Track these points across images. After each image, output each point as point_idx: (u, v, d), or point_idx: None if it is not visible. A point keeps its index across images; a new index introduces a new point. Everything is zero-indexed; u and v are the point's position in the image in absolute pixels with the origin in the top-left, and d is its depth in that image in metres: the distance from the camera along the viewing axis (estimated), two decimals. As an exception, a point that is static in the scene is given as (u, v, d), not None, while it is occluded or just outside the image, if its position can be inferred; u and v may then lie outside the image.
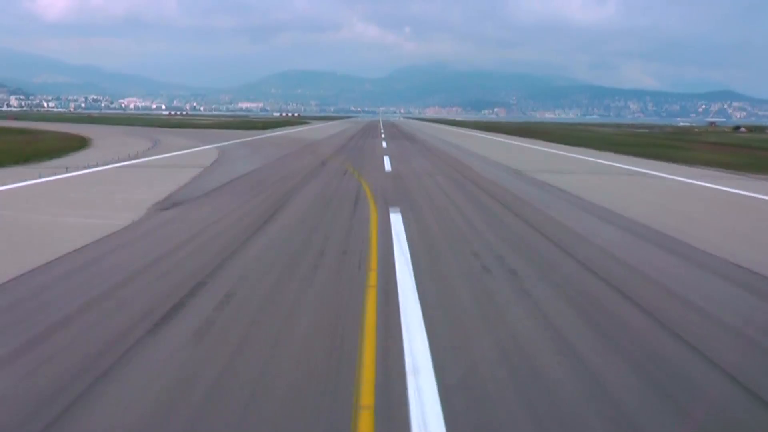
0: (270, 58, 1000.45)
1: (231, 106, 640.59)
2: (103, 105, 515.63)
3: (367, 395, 2.72)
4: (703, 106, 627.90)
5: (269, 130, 39.49)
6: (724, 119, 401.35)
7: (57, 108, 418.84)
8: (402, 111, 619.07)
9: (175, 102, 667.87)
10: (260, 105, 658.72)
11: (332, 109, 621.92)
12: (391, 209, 7.91)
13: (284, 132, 37.95)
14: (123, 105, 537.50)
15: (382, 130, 48.96)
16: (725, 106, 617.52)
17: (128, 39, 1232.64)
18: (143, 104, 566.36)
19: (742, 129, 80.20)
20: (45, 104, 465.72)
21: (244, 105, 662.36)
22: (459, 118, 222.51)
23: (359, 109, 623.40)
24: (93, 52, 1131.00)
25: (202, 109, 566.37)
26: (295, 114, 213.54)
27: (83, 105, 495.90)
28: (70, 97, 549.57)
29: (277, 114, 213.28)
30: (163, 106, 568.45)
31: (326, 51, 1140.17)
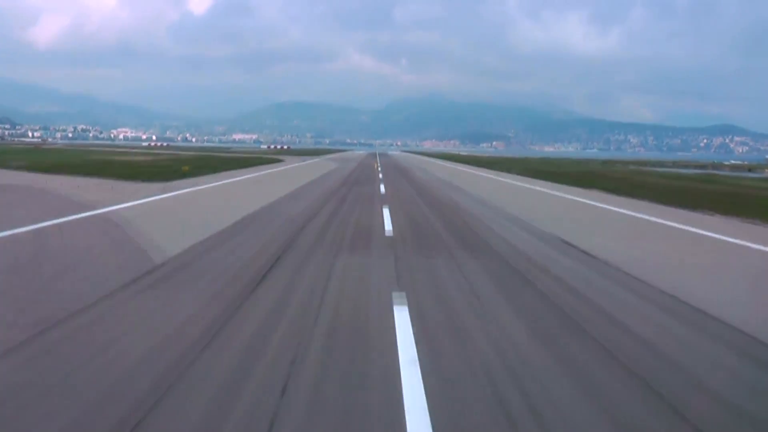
0: (265, 88, 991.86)
1: (225, 138, 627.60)
2: (91, 135, 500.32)
3: None
4: (705, 141, 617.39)
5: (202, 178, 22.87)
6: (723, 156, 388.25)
7: (48, 139, 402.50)
8: (399, 143, 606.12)
9: (168, 132, 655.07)
10: (254, 137, 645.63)
11: (327, 141, 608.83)
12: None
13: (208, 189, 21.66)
14: (112, 135, 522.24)
15: (380, 172, 33.59)
16: (727, 141, 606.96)
17: (123, 68, 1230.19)
18: (134, 135, 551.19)
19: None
20: (30, 134, 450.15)
21: (238, 136, 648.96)
22: (461, 152, 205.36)
23: (355, 141, 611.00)
24: (88, 81, 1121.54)
25: (194, 140, 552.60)
26: (285, 146, 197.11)
27: (70, 135, 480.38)
28: (59, 127, 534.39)
29: (265, 146, 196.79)
30: (154, 137, 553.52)
31: (322, 82, 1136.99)
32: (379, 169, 40.45)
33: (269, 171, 34.04)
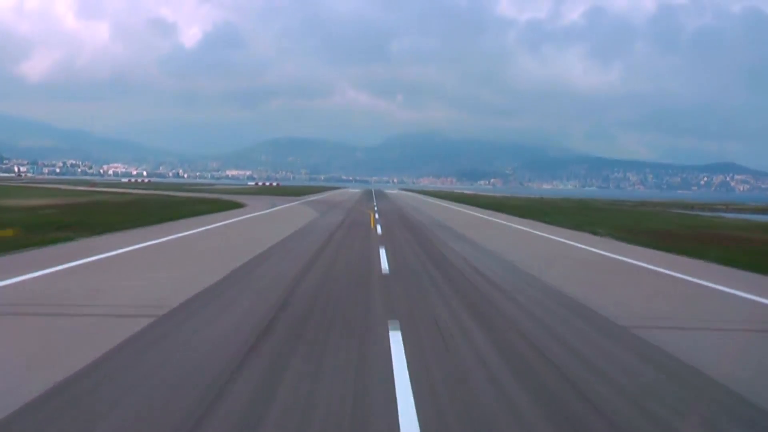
0: (260, 124, 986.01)
1: (218, 174, 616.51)
2: (80, 170, 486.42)
3: None
4: (705, 179, 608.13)
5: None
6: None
7: (28, 174, 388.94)
8: (395, 180, 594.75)
9: (161, 168, 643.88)
10: (248, 173, 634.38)
11: (322, 178, 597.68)
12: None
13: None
14: (102, 171, 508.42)
15: (381, 234, 19.74)
16: (727, 179, 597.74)
17: (117, 103, 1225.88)
18: (124, 170, 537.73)
19: None
20: (16, 168, 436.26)
21: (232, 173, 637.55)
22: (464, 191, 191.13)
23: (351, 177, 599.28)
24: (81, 116, 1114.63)
25: (185, 176, 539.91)
26: (275, 183, 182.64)
27: (57, 170, 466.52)
28: (48, 162, 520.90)
29: (253, 183, 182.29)
30: (145, 173, 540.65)
31: (317, 118, 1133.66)
32: (377, 224, 25.14)
33: (184, 235, 18.65)
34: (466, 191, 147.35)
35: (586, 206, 58.68)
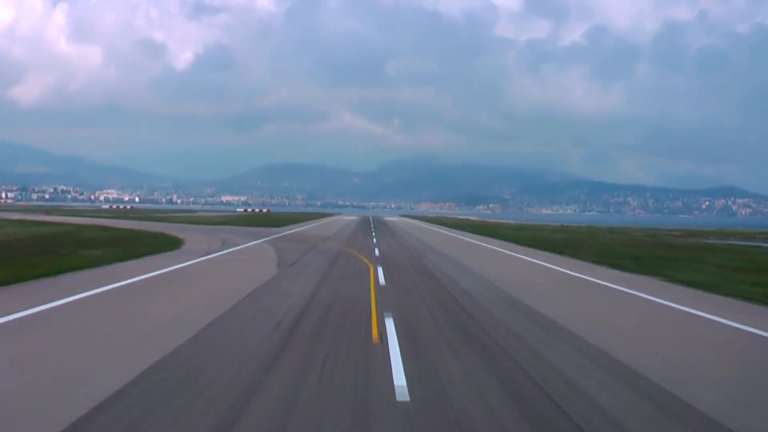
0: (256, 149, 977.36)
1: (213, 199, 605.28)
2: (70, 197, 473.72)
3: None
4: (707, 203, 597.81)
5: None
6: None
7: (16, 201, 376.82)
8: (393, 206, 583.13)
9: (155, 194, 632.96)
10: (243, 198, 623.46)
11: (319, 204, 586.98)
12: None
13: None
14: (93, 197, 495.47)
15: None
16: (729, 203, 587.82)
17: (111, 128, 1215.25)
18: (115, 197, 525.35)
19: None
20: (4, 195, 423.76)
21: (227, 198, 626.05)
22: (463, 216, 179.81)
23: (347, 203, 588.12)
24: (75, 141, 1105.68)
25: (178, 201, 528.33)
26: (265, 210, 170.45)
27: (47, 196, 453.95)
28: (38, 188, 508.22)
29: (242, 210, 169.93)
30: (137, 198, 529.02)
31: (313, 143, 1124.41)
32: (386, 299, 12.73)
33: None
34: (471, 217, 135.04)
35: (642, 242, 46.25)
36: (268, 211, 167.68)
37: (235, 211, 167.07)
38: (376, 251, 26.99)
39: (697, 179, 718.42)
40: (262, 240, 33.10)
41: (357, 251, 26.39)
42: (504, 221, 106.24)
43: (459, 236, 46.66)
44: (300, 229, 49.38)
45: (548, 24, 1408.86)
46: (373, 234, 44.35)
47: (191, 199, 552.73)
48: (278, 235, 38.27)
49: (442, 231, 55.20)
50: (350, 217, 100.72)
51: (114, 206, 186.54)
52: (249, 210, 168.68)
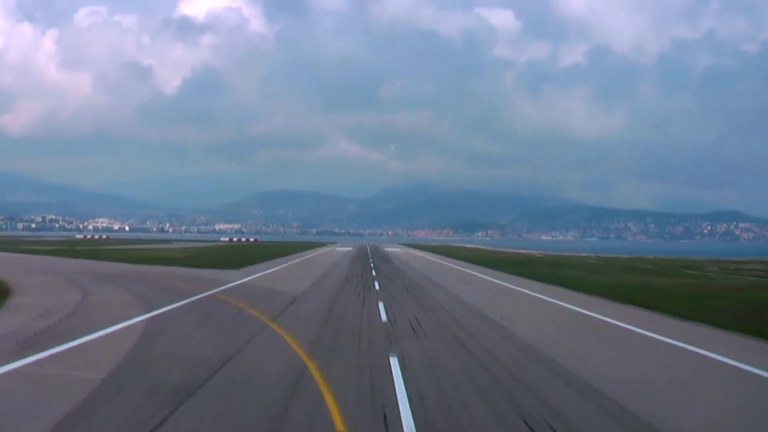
0: (250, 176, 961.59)
1: (207, 228, 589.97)
2: (57, 226, 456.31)
3: None
4: (709, 228, 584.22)
5: None
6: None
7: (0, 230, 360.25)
8: (390, 233, 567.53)
9: (147, 223, 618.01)
10: (238, 226, 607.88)
11: (314, 232, 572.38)
12: None
13: None
14: (82, 227, 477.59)
15: None
16: (732, 227, 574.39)
17: (104, 157, 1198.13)
18: (106, 226, 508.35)
19: None
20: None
21: (221, 227, 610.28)
22: (479, 247, 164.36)
23: (343, 230, 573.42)
24: (69, 170, 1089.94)
25: (170, 230, 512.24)
26: (252, 239, 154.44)
27: (34, 226, 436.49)
28: (25, 217, 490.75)
29: (226, 239, 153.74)
30: (127, 227, 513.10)
31: (309, 170, 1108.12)
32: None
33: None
34: (482, 246, 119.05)
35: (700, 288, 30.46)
36: (256, 240, 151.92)
37: (219, 241, 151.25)
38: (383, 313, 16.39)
39: (697, 204, 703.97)
40: (178, 304, 17.45)
41: (343, 366, 10.55)
42: (525, 252, 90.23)
43: (461, 268, 31.43)
44: (270, 271, 33.79)
45: (546, 45, 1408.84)
46: (374, 274, 30.06)
47: (183, 228, 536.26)
48: (222, 288, 22.69)
49: (446, 263, 39.33)
50: (344, 248, 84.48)
51: (91, 236, 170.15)
52: (235, 240, 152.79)
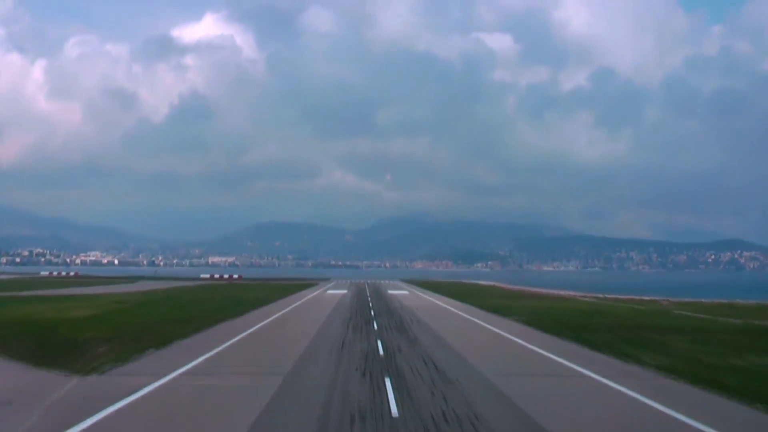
0: (246, 208, 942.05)
1: (201, 261, 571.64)
2: (43, 261, 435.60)
3: None
4: (712, 257, 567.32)
5: None
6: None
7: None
8: (387, 265, 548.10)
9: (140, 256, 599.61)
10: (232, 259, 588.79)
11: (310, 264, 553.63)
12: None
13: None
14: (68, 261, 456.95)
15: None
16: (736, 256, 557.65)
17: (98, 189, 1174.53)
18: (94, 259, 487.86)
19: None
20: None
21: (215, 259, 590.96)
22: (498, 284, 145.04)
23: (340, 263, 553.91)
24: (62, 203, 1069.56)
25: (161, 264, 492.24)
26: (236, 276, 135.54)
27: (18, 260, 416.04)
28: (12, 251, 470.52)
29: (207, 276, 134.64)
30: (116, 261, 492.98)
31: (304, 200, 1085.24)
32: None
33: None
34: (500, 284, 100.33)
35: None
36: (239, 277, 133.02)
37: (199, 278, 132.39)
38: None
39: (697, 231, 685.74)
40: None
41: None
42: (564, 294, 71.46)
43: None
44: (197, 362, 15.87)
45: (543, 70, 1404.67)
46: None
47: (174, 261, 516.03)
48: None
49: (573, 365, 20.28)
50: (337, 292, 65.81)
51: (58, 272, 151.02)
52: (216, 276, 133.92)
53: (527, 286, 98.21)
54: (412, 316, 34.52)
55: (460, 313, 37.70)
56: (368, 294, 60.28)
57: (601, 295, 64.97)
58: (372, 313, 36.17)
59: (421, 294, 62.56)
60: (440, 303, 47.74)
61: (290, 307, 41.18)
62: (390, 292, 65.12)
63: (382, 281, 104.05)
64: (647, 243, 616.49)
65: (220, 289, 69.50)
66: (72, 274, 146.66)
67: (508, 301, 49.51)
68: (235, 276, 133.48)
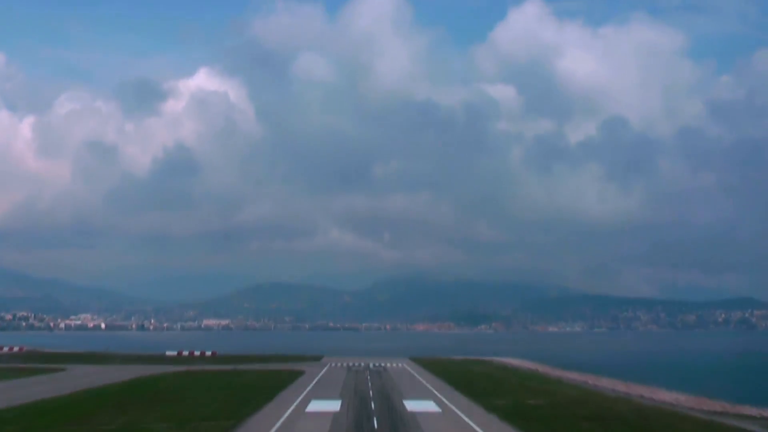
0: (243, 268, 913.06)
1: (194, 324, 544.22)
2: (25, 325, 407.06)
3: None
4: (723, 316, 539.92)
5: None
6: None
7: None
8: (388, 327, 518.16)
9: (133, 318, 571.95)
10: (227, 322, 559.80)
11: (308, 326, 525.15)
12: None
13: None
14: (52, 325, 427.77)
15: None
16: (747, 315, 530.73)
17: (92, 249, 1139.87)
18: (80, 323, 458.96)
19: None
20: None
21: (209, 322, 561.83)
22: (515, 364, 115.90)
23: (338, 325, 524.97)
24: (55, 263, 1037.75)
25: (151, 327, 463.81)
26: (209, 353, 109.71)
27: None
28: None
29: (174, 353, 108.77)
30: (103, 325, 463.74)
31: (300, 260, 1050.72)
32: None
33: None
34: (541, 369, 75.05)
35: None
36: (213, 353, 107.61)
37: (165, 354, 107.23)
38: None
39: (708, 290, 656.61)
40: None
41: None
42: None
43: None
44: None
45: (544, 123, 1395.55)
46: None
47: (165, 325, 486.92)
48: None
49: None
50: (323, 408, 39.94)
51: (9, 347, 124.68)
52: (184, 353, 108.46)
53: (564, 368, 76.79)
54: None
55: None
56: (373, 414, 35.38)
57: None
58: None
59: (459, 412, 37.66)
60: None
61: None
62: (409, 407, 39.57)
63: (388, 365, 78.63)
64: (655, 302, 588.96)
65: (145, 393, 44.42)
66: (16, 349, 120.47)
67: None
68: (208, 353, 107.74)
